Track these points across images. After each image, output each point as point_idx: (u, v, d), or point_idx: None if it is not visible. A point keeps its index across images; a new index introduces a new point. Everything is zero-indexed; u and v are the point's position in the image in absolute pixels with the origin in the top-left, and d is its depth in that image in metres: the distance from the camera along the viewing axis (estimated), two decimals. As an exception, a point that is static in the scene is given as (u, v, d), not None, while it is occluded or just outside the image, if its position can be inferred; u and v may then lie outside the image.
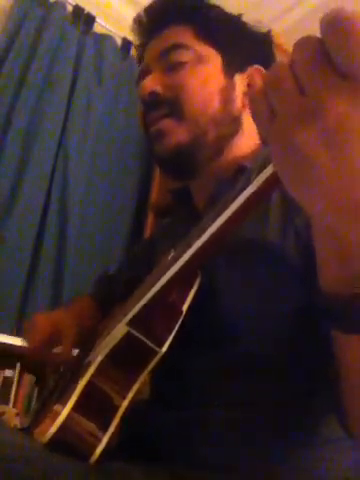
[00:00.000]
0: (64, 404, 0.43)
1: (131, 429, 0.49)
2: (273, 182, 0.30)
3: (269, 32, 0.71)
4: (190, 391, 0.54)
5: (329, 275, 0.34)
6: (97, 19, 2.09)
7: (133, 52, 2.02)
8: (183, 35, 0.64)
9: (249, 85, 0.65)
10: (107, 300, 0.80)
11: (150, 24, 0.69)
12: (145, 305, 0.45)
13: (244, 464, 0.47)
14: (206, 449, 0.48)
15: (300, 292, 0.47)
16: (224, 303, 0.53)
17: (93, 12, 2.08)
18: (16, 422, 1.35)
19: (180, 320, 0.46)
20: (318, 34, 0.24)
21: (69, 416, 0.42)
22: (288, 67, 0.26)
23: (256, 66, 0.66)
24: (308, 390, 0.49)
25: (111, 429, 0.43)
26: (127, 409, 0.45)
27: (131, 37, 0.78)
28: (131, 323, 0.45)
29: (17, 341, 1.52)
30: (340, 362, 0.40)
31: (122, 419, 0.44)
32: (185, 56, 0.63)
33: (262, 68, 0.66)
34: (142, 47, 0.70)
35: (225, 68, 0.64)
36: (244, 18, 0.69)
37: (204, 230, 0.39)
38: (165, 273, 0.44)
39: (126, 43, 2.13)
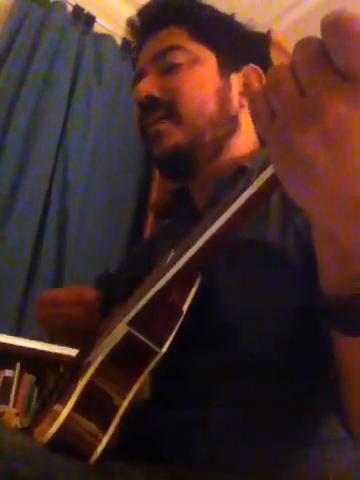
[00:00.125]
0: (64, 404, 0.43)
1: (131, 429, 0.49)
2: (273, 183, 0.30)
3: (269, 32, 0.71)
4: (190, 391, 0.54)
5: (329, 276, 0.34)
6: (97, 19, 2.09)
7: (133, 52, 2.02)
8: (178, 36, 0.64)
9: (245, 84, 0.66)
10: (107, 299, 0.80)
11: (144, 26, 0.69)
12: (145, 305, 0.45)
13: (244, 464, 0.47)
14: (206, 449, 0.48)
15: (300, 292, 0.47)
16: (224, 303, 0.53)
17: (93, 12, 2.08)
18: (16, 422, 1.35)
19: (180, 320, 0.46)
20: (318, 35, 0.24)
21: (69, 416, 0.42)
22: (288, 68, 0.26)
23: (252, 65, 0.66)
24: (308, 390, 0.49)
25: (111, 429, 0.43)
26: (127, 409, 0.45)
27: (131, 38, 0.78)
28: (131, 323, 0.45)
29: (17, 341, 1.52)
30: (340, 362, 0.40)
31: (122, 419, 0.44)
32: (180, 57, 0.63)
33: (258, 67, 0.66)
34: (137, 50, 0.70)
35: (221, 68, 0.64)
36: (238, 17, 0.69)
37: (204, 231, 0.39)
38: (165, 273, 0.44)
39: (126, 43, 2.13)
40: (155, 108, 0.62)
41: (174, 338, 0.45)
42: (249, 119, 0.65)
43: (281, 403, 0.48)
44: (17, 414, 1.39)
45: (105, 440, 0.43)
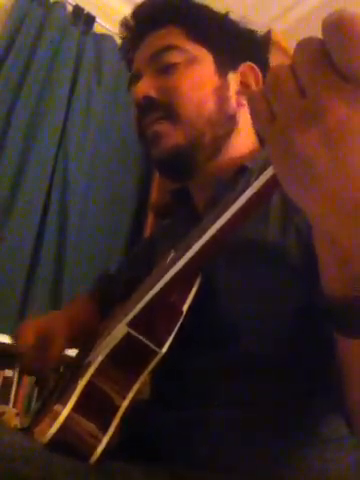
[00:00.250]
0: (64, 404, 0.43)
1: (131, 429, 0.49)
2: (273, 184, 0.30)
3: (269, 32, 0.71)
4: (190, 391, 0.54)
5: (329, 277, 0.34)
6: (97, 19, 2.09)
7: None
8: (174, 36, 0.64)
9: (242, 83, 0.65)
10: (107, 299, 0.80)
11: (139, 26, 0.68)
12: (145, 306, 0.45)
13: (244, 464, 0.47)
14: (206, 449, 0.48)
15: (300, 292, 0.47)
16: (224, 303, 0.53)
17: (93, 12, 2.08)
18: (16, 422, 1.35)
19: (180, 321, 0.46)
20: (319, 35, 0.24)
21: (69, 416, 0.42)
22: (289, 68, 0.25)
23: (248, 63, 0.66)
24: (308, 390, 0.48)
25: (111, 429, 0.43)
26: (127, 409, 0.45)
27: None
28: (131, 324, 0.45)
29: (17, 341, 1.52)
30: (342, 362, 0.40)
31: (122, 419, 0.44)
32: (177, 57, 0.62)
33: (254, 65, 0.66)
34: (132, 50, 0.70)
35: (218, 67, 0.64)
36: (232, 16, 0.69)
37: (204, 231, 0.38)
38: (165, 274, 0.44)
39: (126, 43, 2.13)
40: (153, 109, 0.62)
41: (174, 338, 0.45)
42: (248, 118, 0.64)
43: (281, 403, 0.48)
44: (17, 414, 1.39)
45: (105, 440, 0.43)
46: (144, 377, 0.46)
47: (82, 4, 2.05)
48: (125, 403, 0.45)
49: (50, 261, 1.75)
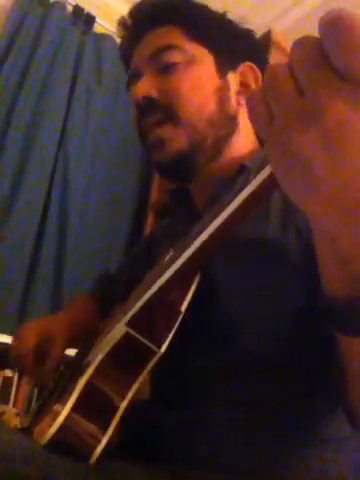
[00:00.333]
0: (63, 404, 0.43)
1: (131, 429, 0.48)
2: (271, 183, 0.30)
3: (269, 32, 0.71)
4: (190, 390, 0.54)
5: (330, 277, 0.34)
6: (97, 19, 2.09)
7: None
8: (173, 36, 0.63)
9: (242, 83, 0.65)
10: (107, 299, 0.80)
11: (137, 25, 0.67)
12: (144, 305, 0.45)
13: (244, 464, 0.46)
14: (206, 449, 0.48)
15: (300, 291, 0.46)
16: (223, 302, 0.52)
17: (93, 12, 2.08)
18: (16, 422, 1.35)
19: (179, 320, 0.46)
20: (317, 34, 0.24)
21: (68, 416, 0.42)
22: (286, 67, 0.25)
23: (248, 63, 0.66)
24: (308, 390, 0.48)
25: (111, 429, 0.43)
26: (126, 409, 0.45)
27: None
28: (130, 323, 0.45)
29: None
30: (343, 362, 0.40)
31: (122, 419, 0.44)
32: (177, 57, 0.62)
33: (254, 65, 0.66)
34: (130, 50, 0.69)
35: (218, 67, 0.64)
36: (230, 15, 0.69)
37: (202, 231, 0.38)
38: (164, 273, 0.44)
39: (126, 43, 2.12)
40: (153, 110, 0.61)
41: (173, 337, 0.45)
42: (247, 118, 0.64)
43: (281, 403, 0.48)
44: (17, 414, 1.39)
45: (105, 440, 0.43)
46: (143, 377, 0.46)
47: (82, 4, 2.05)
48: (124, 403, 0.45)
49: (50, 261, 1.75)
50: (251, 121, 0.28)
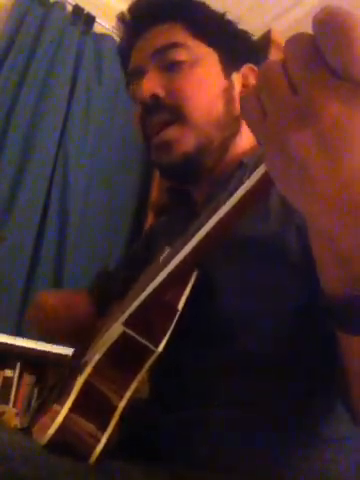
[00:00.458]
0: (62, 404, 0.43)
1: (131, 429, 0.48)
2: (266, 182, 0.29)
3: (269, 32, 0.71)
4: (189, 390, 0.54)
5: (328, 276, 0.34)
6: (97, 19, 2.09)
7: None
8: (177, 33, 0.62)
9: (244, 85, 0.64)
10: (105, 297, 0.80)
11: (137, 22, 0.66)
12: (140, 305, 0.45)
13: (244, 464, 0.46)
14: (206, 449, 0.48)
15: (300, 289, 0.46)
16: (223, 300, 0.52)
17: (93, 12, 2.08)
18: (16, 422, 1.35)
19: (176, 318, 0.46)
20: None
21: (67, 417, 0.42)
22: (280, 65, 0.25)
23: (249, 65, 0.65)
24: (308, 389, 0.48)
25: (110, 429, 0.43)
26: (125, 409, 0.44)
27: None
28: (127, 323, 0.45)
29: (17, 341, 1.52)
30: (344, 360, 0.40)
31: (121, 418, 0.44)
32: (183, 55, 0.60)
33: (255, 67, 0.65)
34: (129, 46, 0.67)
35: (223, 67, 0.63)
36: (230, 16, 0.68)
37: (198, 230, 0.38)
38: (160, 273, 0.43)
39: (126, 43, 2.12)
40: (160, 110, 0.59)
41: (172, 336, 0.45)
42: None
43: (281, 403, 0.48)
44: (17, 414, 1.39)
45: (104, 440, 0.43)
46: (141, 376, 0.45)
47: (82, 4, 2.06)
48: (123, 402, 0.44)
49: (50, 261, 1.75)
50: (244, 119, 0.28)
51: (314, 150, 0.23)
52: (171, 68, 0.60)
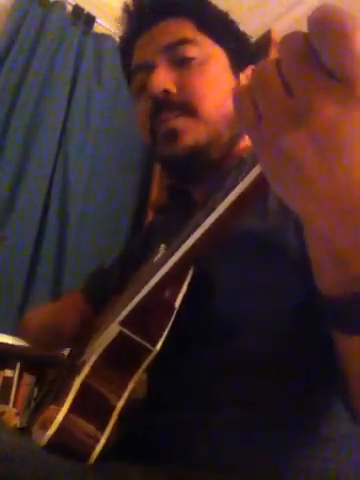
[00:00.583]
0: (60, 405, 0.43)
1: (130, 429, 0.48)
2: (262, 182, 0.29)
3: (269, 32, 0.71)
4: (188, 390, 0.53)
5: (326, 277, 0.33)
6: (97, 19, 2.09)
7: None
8: (188, 29, 0.61)
9: None
10: (101, 295, 0.80)
11: (145, 14, 0.64)
12: (137, 304, 0.45)
13: (244, 464, 0.46)
14: (205, 449, 0.48)
15: (300, 287, 0.46)
16: (221, 299, 0.52)
17: (93, 12, 2.08)
18: (16, 422, 1.35)
19: (173, 316, 0.46)
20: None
21: (66, 418, 0.42)
22: (274, 65, 0.25)
23: (253, 66, 0.65)
24: (308, 388, 0.48)
25: (108, 429, 0.43)
26: (123, 408, 0.44)
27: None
28: (123, 322, 0.45)
29: (17, 341, 1.52)
30: (342, 360, 0.40)
31: (120, 418, 0.44)
32: (194, 51, 0.60)
33: None
34: (133, 39, 0.66)
35: (232, 66, 0.63)
36: (232, 16, 0.67)
37: (195, 229, 0.37)
38: (156, 272, 0.43)
39: (126, 43, 2.12)
40: (171, 105, 0.58)
41: (171, 336, 0.45)
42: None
43: (280, 402, 0.48)
44: (17, 414, 1.39)
45: (103, 440, 0.43)
46: (139, 376, 0.45)
47: (82, 4, 2.06)
48: (121, 402, 0.44)
49: (50, 261, 1.75)
50: (238, 120, 0.27)
51: (309, 151, 0.23)
52: (181, 64, 0.60)
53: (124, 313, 0.45)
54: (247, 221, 0.51)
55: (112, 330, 0.45)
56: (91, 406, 0.44)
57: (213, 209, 0.34)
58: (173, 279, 0.46)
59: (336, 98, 0.22)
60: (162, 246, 0.53)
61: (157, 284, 0.43)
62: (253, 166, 0.29)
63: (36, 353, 1.55)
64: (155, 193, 1.95)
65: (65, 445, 0.42)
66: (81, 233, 1.85)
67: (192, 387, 0.53)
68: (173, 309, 0.46)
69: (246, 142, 0.63)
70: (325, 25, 0.21)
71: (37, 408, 0.66)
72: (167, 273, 0.42)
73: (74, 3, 2.05)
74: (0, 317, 1.59)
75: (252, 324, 0.49)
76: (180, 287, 0.48)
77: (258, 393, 0.48)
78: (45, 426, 0.42)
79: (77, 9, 2.05)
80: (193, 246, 0.38)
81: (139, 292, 0.44)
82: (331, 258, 0.31)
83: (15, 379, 1.58)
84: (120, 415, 0.44)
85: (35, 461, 0.40)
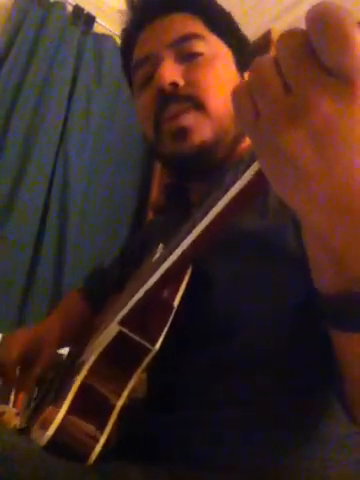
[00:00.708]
0: (60, 405, 0.43)
1: (129, 429, 0.48)
2: (261, 179, 0.29)
3: (269, 31, 0.71)
4: (187, 389, 0.53)
5: (324, 277, 0.33)
6: (97, 19, 2.09)
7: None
8: (196, 25, 0.61)
9: None
10: (99, 294, 0.80)
11: (152, 7, 0.64)
12: (136, 304, 0.45)
13: (244, 464, 0.46)
14: (205, 449, 0.48)
15: (300, 285, 0.46)
16: (221, 297, 0.52)
17: (93, 12, 2.08)
18: (16, 422, 1.35)
19: (172, 315, 0.46)
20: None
21: (66, 418, 0.42)
22: (272, 62, 0.24)
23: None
24: (308, 388, 0.48)
25: (108, 429, 0.43)
26: (123, 408, 0.44)
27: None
28: (122, 322, 0.45)
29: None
30: (341, 359, 0.40)
31: (119, 418, 0.44)
32: (201, 47, 0.60)
33: None
34: (136, 33, 0.65)
35: (238, 65, 0.63)
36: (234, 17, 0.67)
37: (192, 228, 0.37)
38: (155, 271, 0.43)
39: (126, 43, 2.12)
40: (178, 98, 0.58)
41: (170, 335, 0.45)
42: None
43: (280, 401, 0.48)
44: (17, 414, 1.39)
45: (102, 440, 0.43)
46: (138, 375, 0.45)
47: (82, 4, 2.05)
48: (120, 402, 0.44)
49: (50, 261, 1.75)
50: (236, 117, 0.27)
51: (307, 148, 0.23)
52: (189, 59, 0.59)
53: (123, 313, 0.45)
54: (247, 220, 0.51)
55: (111, 330, 0.45)
56: (91, 406, 0.44)
57: (211, 207, 0.34)
58: (172, 278, 0.46)
59: (334, 95, 0.22)
60: (160, 246, 0.53)
61: (156, 282, 0.43)
62: (251, 163, 0.29)
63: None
64: (155, 193, 1.95)
65: (65, 445, 0.42)
66: (81, 233, 1.85)
67: (192, 386, 0.53)
68: (172, 308, 0.46)
69: (248, 142, 0.63)
70: (323, 22, 0.21)
71: (37, 408, 0.66)
72: (165, 272, 0.42)
73: (74, 3, 2.05)
74: (0, 317, 1.59)
75: (251, 323, 0.49)
76: (179, 286, 0.48)
77: (258, 393, 0.48)
78: (45, 426, 0.42)
79: (77, 9, 2.05)
80: (191, 244, 0.38)
81: (138, 291, 0.44)
82: (328, 257, 0.31)
83: (15, 379, 1.57)
84: (120, 414, 0.44)
85: (35, 461, 0.40)
